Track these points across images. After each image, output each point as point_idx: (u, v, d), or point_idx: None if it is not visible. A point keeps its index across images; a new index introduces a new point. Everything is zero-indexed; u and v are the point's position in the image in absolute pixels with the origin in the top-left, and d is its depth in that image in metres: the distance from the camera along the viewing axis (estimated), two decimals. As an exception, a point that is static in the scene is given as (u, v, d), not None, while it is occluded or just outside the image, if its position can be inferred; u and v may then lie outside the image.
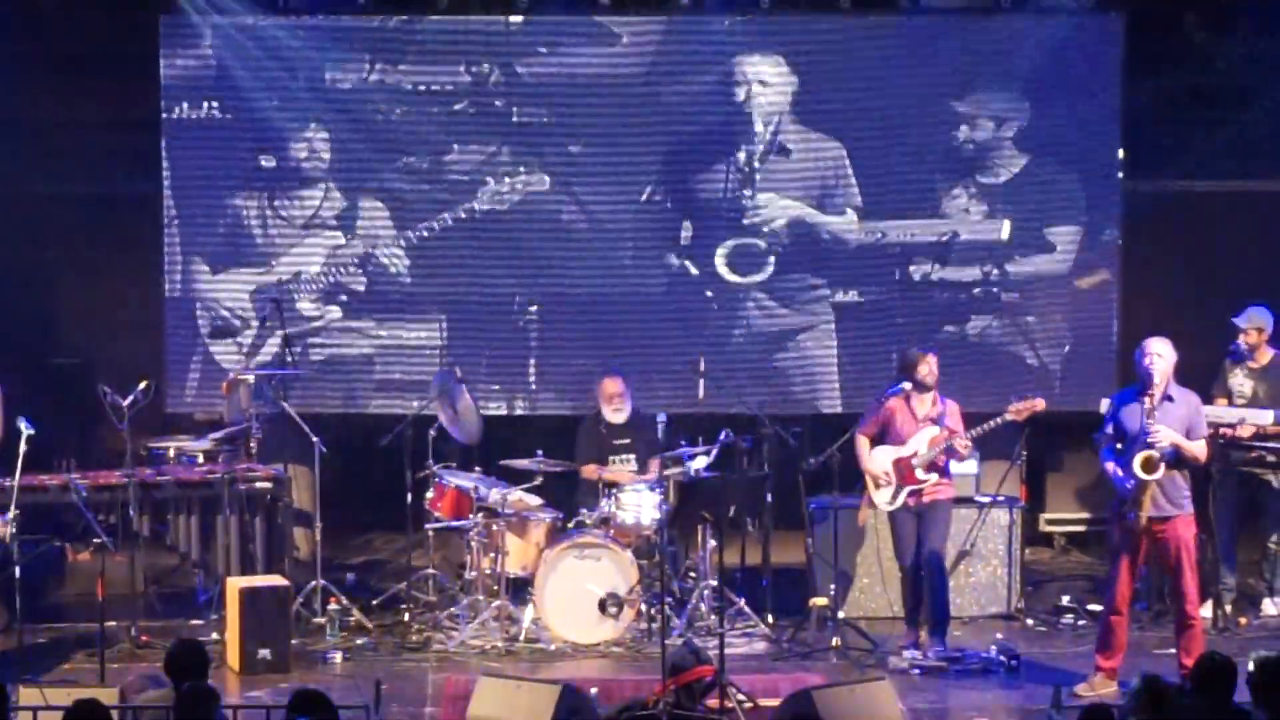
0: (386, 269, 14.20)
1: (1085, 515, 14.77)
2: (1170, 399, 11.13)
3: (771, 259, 14.24)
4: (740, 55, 14.13)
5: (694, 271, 14.33)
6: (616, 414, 13.15)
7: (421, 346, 14.32)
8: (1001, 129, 14.21)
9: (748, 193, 14.18)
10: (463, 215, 14.14)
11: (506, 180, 14.13)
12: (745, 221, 14.23)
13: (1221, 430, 12.50)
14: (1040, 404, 12.16)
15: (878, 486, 12.18)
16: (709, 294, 14.34)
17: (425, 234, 14.14)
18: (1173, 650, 11.31)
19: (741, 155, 14.18)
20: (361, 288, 14.21)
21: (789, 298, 14.34)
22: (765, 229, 14.23)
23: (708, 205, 14.26)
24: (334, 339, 14.29)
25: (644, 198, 14.22)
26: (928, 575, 12.14)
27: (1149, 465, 10.99)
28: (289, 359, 13.47)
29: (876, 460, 12.17)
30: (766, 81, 14.17)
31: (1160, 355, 11.11)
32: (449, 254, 14.23)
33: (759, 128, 14.15)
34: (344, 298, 14.22)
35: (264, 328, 13.88)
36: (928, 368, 12.12)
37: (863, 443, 12.27)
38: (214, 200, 14.14)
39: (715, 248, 14.26)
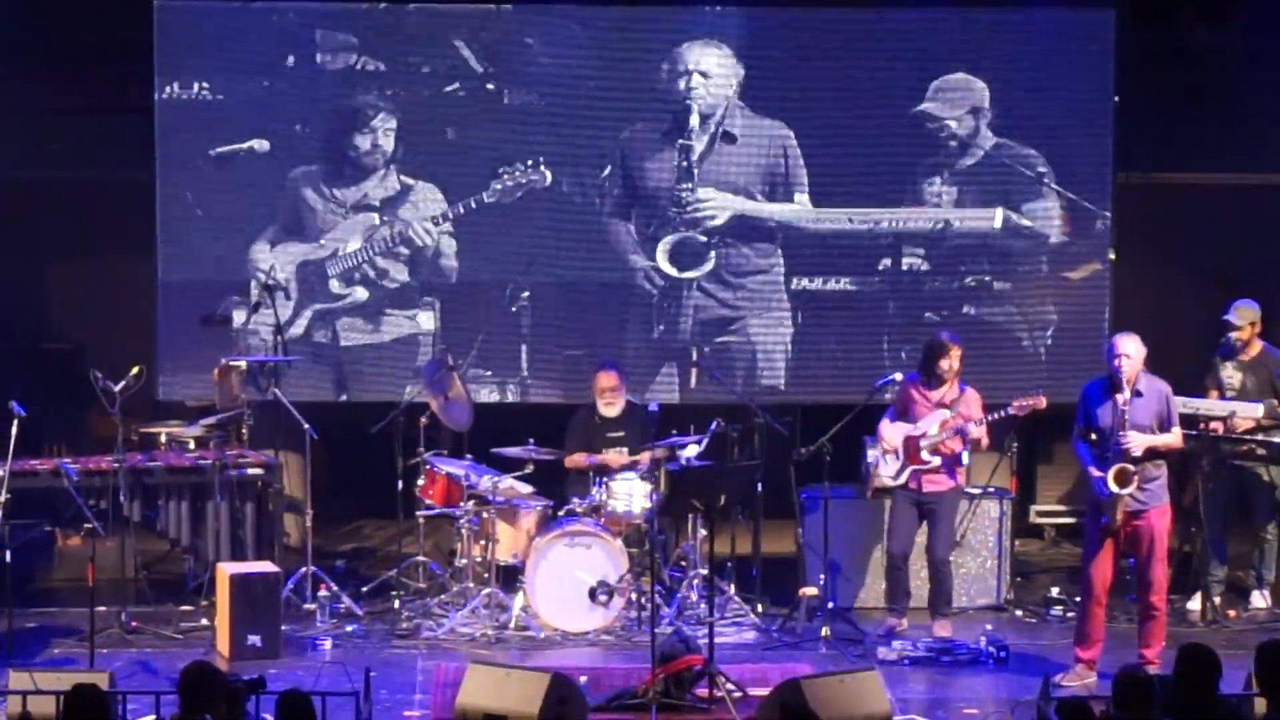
0: (391, 253, 14.19)
1: (1075, 507, 14.76)
2: (1139, 394, 11.14)
3: (712, 254, 14.19)
4: (683, 45, 14.09)
5: (647, 263, 14.27)
6: (609, 408, 13.10)
7: (415, 333, 14.28)
8: (986, 120, 14.16)
9: (688, 185, 14.15)
10: (473, 205, 14.11)
11: (505, 174, 14.09)
12: (687, 216, 14.16)
13: (1211, 425, 12.54)
14: (1042, 401, 12.31)
15: (886, 459, 12.30)
16: (660, 285, 14.23)
17: (440, 221, 14.12)
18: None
19: (684, 145, 14.15)
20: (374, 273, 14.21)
21: (740, 285, 14.27)
22: (707, 223, 14.18)
23: (654, 196, 14.18)
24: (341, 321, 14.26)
25: (606, 188, 14.19)
26: (933, 572, 12.34)
27: (1122, 479, 11.03)
28: (278, 346, 13.46)
29: (892, 433, 12.29)
30: (708, 72, 14.12)
31: (1129, 356, 11.10)
32: (443, 240, 14.19)
33: (695, 120, 14.11)
34: (364, 281, 14.21)
35: (256, 312, 13.80)
36: (949, 363, 12.22)
37: (885, 422, 12.41)
38: (207, 180, 14.10)
39: (660, 240, 14.21)
